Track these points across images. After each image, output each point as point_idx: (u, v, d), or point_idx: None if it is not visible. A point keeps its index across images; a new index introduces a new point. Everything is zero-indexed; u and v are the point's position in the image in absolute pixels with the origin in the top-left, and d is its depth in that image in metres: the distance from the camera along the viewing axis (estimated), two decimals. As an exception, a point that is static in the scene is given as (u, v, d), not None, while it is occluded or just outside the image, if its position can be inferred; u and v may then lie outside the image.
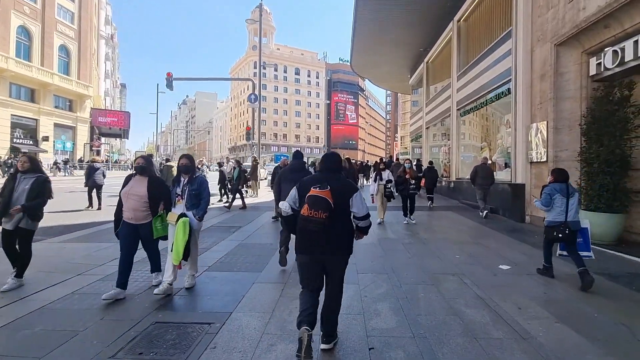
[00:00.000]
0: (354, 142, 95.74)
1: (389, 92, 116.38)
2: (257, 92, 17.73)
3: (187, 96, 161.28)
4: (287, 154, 51.38)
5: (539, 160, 7.78)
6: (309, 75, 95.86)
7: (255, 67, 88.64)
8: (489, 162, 9.82)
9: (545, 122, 7.52)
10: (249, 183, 15.49)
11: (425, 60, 18.20)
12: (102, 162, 15.40)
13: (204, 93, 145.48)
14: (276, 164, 25.73)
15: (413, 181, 8.17)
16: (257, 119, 17.86)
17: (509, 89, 9.34)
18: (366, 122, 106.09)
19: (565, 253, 4.29)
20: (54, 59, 32.84)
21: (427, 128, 18.30)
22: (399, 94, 79.24)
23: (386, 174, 8.02)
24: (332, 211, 2.44)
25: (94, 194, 10.25)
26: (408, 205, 8.22)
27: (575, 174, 6.86)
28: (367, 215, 2.69)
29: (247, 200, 12.05)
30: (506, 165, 10.15)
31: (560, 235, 4.11)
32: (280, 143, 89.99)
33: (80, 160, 33.52)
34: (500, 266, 4.85)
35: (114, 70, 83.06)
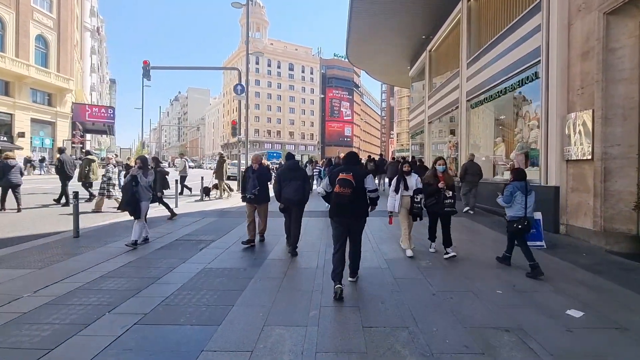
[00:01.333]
0: (348, 139, 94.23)
1: (384, 89, 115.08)
2: (244, 83, 16.11)
3: (180, 92, 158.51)
4: (279, 152, 49.82)
5: (580, 158, 6.33)
6: (303, 71, 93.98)
7: (248, 62, 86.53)
8: (511, 161, 8.38)
9: (590, 111, 6.06)
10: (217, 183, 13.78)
11: (428, 49, 16.72)
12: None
13: (197, 89, 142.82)
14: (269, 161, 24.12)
15: (450, 193, 5.20)
16: (249, 112, 16.26)
17: (535, 73, 7.89)
18: (361, 119, 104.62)
19: (540, 244, 5.69)
20: (30, 49, 30.75)
21: (429, 123, 16.84)
22: (394, 90, 77.88)
23: (413, 180, 5.26)
24: (354, 188, 3.78)
25: (10, 194, 9.32)
26: (441, 227, 5.37)
27: (631, 175, 5.43)
28: (376, 190, 4.14)
29: (217, 204, 10.50)
30: (532, 165, 8.73)
31: (520, 227, 4.56)
32: (274, 140, 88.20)
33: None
34: (569, 312, 3.37)
35: (102, 64, 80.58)
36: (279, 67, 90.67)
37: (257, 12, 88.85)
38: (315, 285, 4.06)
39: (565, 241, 6.42)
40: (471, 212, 9.32)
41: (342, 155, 20.47)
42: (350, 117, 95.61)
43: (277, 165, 19.95)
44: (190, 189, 14.37)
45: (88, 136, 53.55)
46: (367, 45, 18.38)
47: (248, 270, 4.61)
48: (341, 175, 3.78)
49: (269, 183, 6.15)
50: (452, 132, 14.56)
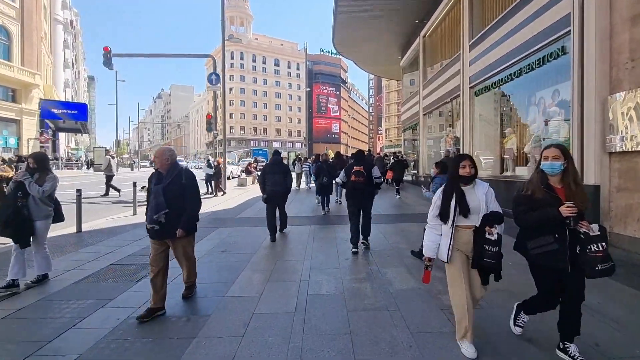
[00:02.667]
0: (336, 136, 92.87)
1: (371, 85, 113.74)
2: (220, 72, 14.43)
3: (162, 89, 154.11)
4: (266, 149, 48.02)
5: (630, 150, 5.01)
6: (289, 67, 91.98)
7: (232, 58, 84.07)
8: (514, 153, 7.04)
9: (645, 89, 4.73)
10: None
11: (422, 34, 15.34)
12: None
13: (180, 86, 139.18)
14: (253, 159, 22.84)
15: (591, 229, 2.32)
16: (226, 108, 14.57)
17: (562, 48, 6.55)
18: (349, 115, 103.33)
19: None
20: (-12, 40, 28.22)
21: (424, 115, 15.51)
22: (382, 85, 76.72)
23: (482, 194, 2.56)
24: (365, 177, 5.10)
25: None
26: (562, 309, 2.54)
27: None
28: (380, 177, 5.44)
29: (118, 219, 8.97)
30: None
31: None
32: (260, 137, 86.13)
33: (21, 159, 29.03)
34: None
35: (78, 60, 76.82)
36: (264, 62, 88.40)
37: (241, 5, 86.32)
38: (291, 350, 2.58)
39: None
40: None
41: (329, 152, 19.38)
42: (338, 114, 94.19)
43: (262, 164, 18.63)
44: (118, 191, 12.75)
45: (62, 135, 50.66)
46: (354, 31, 16.90)
47: (193, 322, 3.08)
48: (355, 168, 5.17)
49: (197, 196, 3.53)
50: (452, 124, 13.26)
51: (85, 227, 7.17)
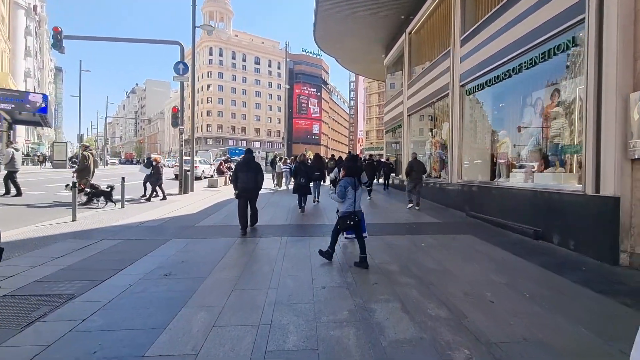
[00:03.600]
0: (316, 137, 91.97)
1: (352, 87, 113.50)
2: (191, 61, 13.07)
3: (137, 84, 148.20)
4: (243, 149, 46.32)
5: (661, 156, 4.22)
6: (269, 65, 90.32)
7: (211, 54, 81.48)
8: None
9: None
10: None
11: (408, 31, 14.57)
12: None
13: (155, 81, 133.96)
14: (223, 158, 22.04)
15: None
16: (196, 104, 13.26)
17: (572, 39, 5.78)
18: (329, 116, 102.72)
19: (352, 236, 5.42)
20: None
21: (409, 116, 14.72)
22: (364, 87, 76.48)
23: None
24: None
25: None
26: None
27: None
28: (367, 181, 5.58)
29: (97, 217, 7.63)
30: (552, 164, 6.67)
31: (352, 223, 4.57)
32: (238, 137, 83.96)
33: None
34: None
35: (44, 50, 72.13)
36: (244, 60, 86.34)
37: (221, 0, 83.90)
38: None
39: (633, 277, 4.31)
40: (416, 208, 9.57)
41: (309, 153, 18.79)
42: (318, 114, 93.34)
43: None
44: (19, 190, 10.90)
45: (21, 128, 46.86)
46: (337, 25, 15.94)
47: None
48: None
49: None
50: (436, 126, 12.52)
51: (4, 236, 5.74)
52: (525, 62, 7.01)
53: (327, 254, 4.77)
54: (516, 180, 7.41)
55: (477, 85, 8.86)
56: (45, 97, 34.84)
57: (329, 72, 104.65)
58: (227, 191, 14.34)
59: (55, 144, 33.69)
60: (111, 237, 6.07)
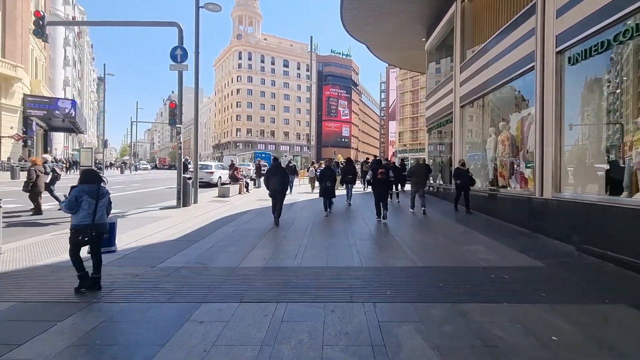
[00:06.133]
0: (346, 140, 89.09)
1: (383, 88, 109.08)
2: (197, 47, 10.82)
3: (173, 92, 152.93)
4: (269, 153, 44.51)
5: None
6: (298, 68, 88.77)
7: (240, 58, 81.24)
8: None
9: None
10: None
11: (460, -1, 11.50)
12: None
13: (190, 88, 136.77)
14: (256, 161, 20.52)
15: None
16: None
17: None
18: (359, 118, 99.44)
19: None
20: (-40, 28, 25.50)
21: (461, 106, 11.60)
22: (397, 85, 72.43)
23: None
24: (387, 175, 8.37)
25: None
26: None
27: None
28: (393, 176, 9.42)
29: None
30: None
31: (86, 238, 3.80)
32: (267, 140, 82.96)
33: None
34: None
35: (84, 60, 75.10)
36: (273, 63, 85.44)
37: (250, 4, 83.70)
38: None
39: None
40: (422, 210, 9.61)
41: (339, 157, 19.53)
42: (348, 117, 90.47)
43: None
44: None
45: (59, 135, 48.03)
46: (368, 1, 13.16)
47: None
48: (381, 170, 8.31)
49: None
50: (503, 118, 9.39)
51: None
52: None
53: None
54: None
55: (595, 46, 5.68)
56: (73, 102, 34.89)
57: (359, 73, 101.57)
58: (238, 203, 11.93)
59: (81, 150, 33.44)
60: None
